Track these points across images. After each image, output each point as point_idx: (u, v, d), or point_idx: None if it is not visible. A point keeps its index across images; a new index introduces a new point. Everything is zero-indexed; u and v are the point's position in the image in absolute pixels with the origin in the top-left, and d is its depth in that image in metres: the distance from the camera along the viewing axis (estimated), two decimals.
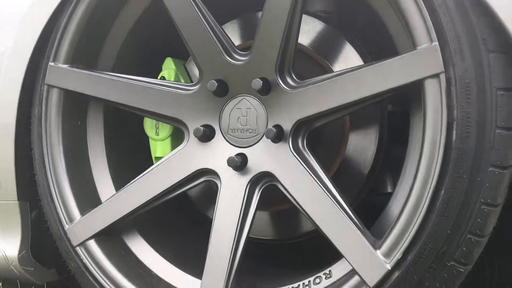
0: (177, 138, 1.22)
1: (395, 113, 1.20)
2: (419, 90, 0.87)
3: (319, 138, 1.16)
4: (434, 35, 0.81)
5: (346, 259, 0.90)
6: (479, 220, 0.81)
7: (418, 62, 0.83)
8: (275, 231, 1.25)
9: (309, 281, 1.01)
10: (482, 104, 0.80)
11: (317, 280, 1.00)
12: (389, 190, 1.21)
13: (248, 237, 1.04)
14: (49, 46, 1.18)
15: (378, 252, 0.87)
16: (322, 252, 1.05)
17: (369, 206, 1.17)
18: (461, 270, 0.84)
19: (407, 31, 0.85)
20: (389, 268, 0.85)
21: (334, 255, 1.01)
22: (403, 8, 0.84)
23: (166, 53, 1.26)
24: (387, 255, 0.87)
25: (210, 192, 1.30)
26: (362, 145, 1.15)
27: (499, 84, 0.80)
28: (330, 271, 0.99)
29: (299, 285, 1.02)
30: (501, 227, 0.87)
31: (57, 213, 1.16)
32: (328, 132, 1.16)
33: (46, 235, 1.25)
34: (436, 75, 0.82)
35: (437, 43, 0.81)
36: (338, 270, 0.97)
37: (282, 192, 1.08)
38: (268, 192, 1.08)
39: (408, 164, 0.94)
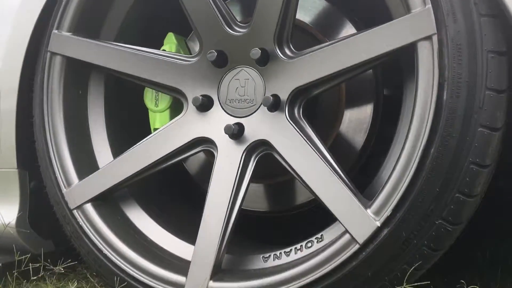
0: (175, 110, 1.24)
1: (390, 97, 1.22)
2: (412, 58, 0.89)
3: (316, 112, 1.18)
4: None
5: (337, 219, 0.92)
6: (467, 179, 0.84)
7: (411, 25, 0.86)
8: (269, 203, 1.27)
9: (301, 246, 1.03)
10: (473, 65, 0.82)
11: (309, 244, 1.02)
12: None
13: (242, 204, 1.06)
14: (53, 14, 1.20)
15: (369, 211, 0.89)
16: (314, 224, 1.06)
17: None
18: (449, 229, 0.86)
19: None
20: (379, 225, 0.87)
21: (326, 225, 1.03)
22: None
23: (168, 28, 1.28)
24: (377, 213, 0.89)
25: (207, 166, 1.32)
26: (356, 122, 1.17)
27: (490, 47, 0.83)
28: (321, 235, 1.01)
29: (291, 249, 1.04)
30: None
31: (56, 177, 1.18)
32: (324, 107, 1.18)
33: (44, 206, 1.27)
34: (428, 37, 0.84)
35: (430, 5, 0.84)
36: (329, 233, 0.99)
37: (276, 165, 1.10)
38: (263, 165, 1.10)
39: (400, 130, 0.96)
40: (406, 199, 0.86)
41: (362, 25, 1.15)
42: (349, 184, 0.94)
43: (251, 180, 1.07)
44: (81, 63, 1.20)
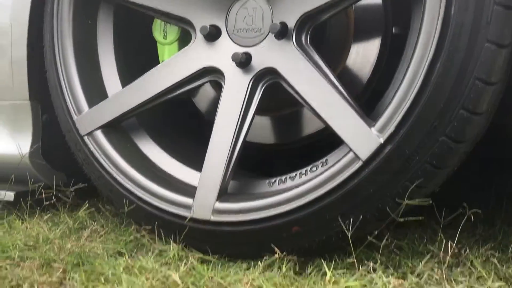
0: (184, 42, 1.24)
1: (399, 35, 1.21)
2: None
3: (323, 44, 1.17)
4: None
5: (341, 138, 0.93)
6: (472, 95, 0.84)
7: None
8: (276, 136, 1.29)
9: (306, 170, 1.05)
10: None
11: (314, 168, 1.03)
12: None
13: (248, 132, 1.07)
14: None
15: (373, 129, 0.90)
16: (321, 154, 1.07)
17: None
18: (452, 146, 0.86)
19: None
20: (382, 142, 0.88)
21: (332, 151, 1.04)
22: None
23: None
24: (380, 130, 0.89)
25: (215, 100, 1.33)
26: (364, 56, 1.17)
27: None
28: (326, 159, 1.02)
29: (296, 174, 1.06)
30: None
31: (66, 105, 1.20)
32: (332, 39, 1.18)
33: (57, 139, 1.29)
34: None
35: None
36: (334, 156, 1.00)
37: (283, 98, 1.11)
38: (270, 97, 1.11)
39: (407, 51, 0.96)
40: (410, 115, 0.86)
41: None
42: (354, 104, 0.95)
43: (258, 110, 1.08)
44: None
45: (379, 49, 1.17)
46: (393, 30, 1.19)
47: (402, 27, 1.19)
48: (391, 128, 0.87)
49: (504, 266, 0.99)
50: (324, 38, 1.15)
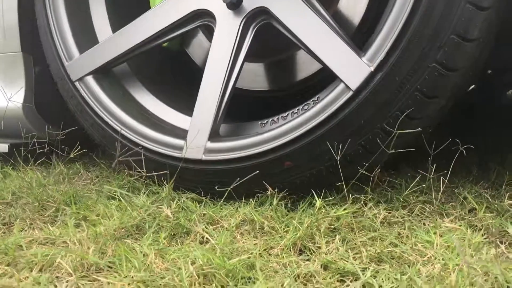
0: None
1: None
2: None
3: None
4: None
5: (330, 69, 0.92)
6: (462, 19, 0.82)
7: None
8: (269, 82, 1.28)
9: (298, 109, 1.04)
10: None
11: (306, 107, 1.03)
12: None
13: (239, 74, 1.06)
14: None
15: (363, 59, 0.89)
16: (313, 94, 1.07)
17: None
18: (443, 73, 0.85)
19: None
20: (372, 70, 0.87)
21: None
22: None
23: None
24: (371, 59, 0.89)
25: (206, 47, 1.32)
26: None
27: None
28: (318, 97, 1.02)
29: (288, 113, 1.05)
30: None
31: (57, 52, 1.19)
32: None
33: (51, 92, 1.28)
34: None
35: None
36: (325, 93, 0.99)
37: (273, 44, 1.10)
38: (262, 44, 1.10)
39: None
40: (400, 40, 0.85)
41: None
42: (344, 36, 0.93)
43: (250, 55, 1.07)
44: None
45: None
46: None
47: None
48: (381, 56, 0.87)
49: (496, 200, 0.99)
50: None
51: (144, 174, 1.10)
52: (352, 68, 0.89)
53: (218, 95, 1.06)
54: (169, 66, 1.36)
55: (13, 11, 1.27)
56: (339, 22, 1.12)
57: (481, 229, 0.86)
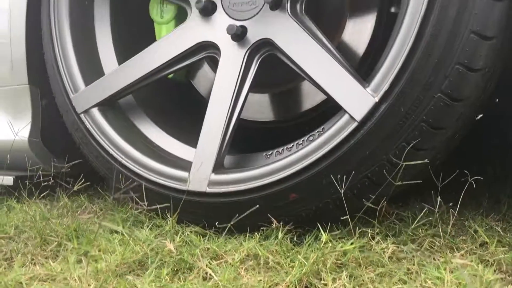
0: (180, 20, 1.24)
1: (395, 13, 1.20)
2: None
3: (318, 14, 1.16)
4: None
5: (335, 100, 0.92)
6: (467, 49, 0.82)
7: None
8: (274, 113, 1.27)
9: (303, 140, 1.03)
10: None
11: (311, 138, 1.02)
12: None
13: (243, 105, 1.06)
14: None
15: (367, 89, 0.89)
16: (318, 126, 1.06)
17: None
18: (449, 103, 0.84)
19: None
20: (377, 100, 0.86)
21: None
22: None
23: None
24: (375, 89, 0.88)
25: (212, 80, 1.32)
26: (360, 30, 1.16)
27: None
28: (323, 128, 1.01)
29: (293, 145, 1.04)
30: None
31: (63, 84, 1.20)
32: (328, 10, 1.17)
33: (57, 125, 1.29)
34: None
35: None
36: (330, 124, 0.98)
37: (279, 74, 1.10)
38: (265, 75, 1.10)
39: (402, 9, 0.94)
40: (405, 70, 0.84)
41: None
42: (348, 67, 0.93)
43: (254, 85, 1.07)
44: None
45: (375, 23, 1.16)
46: (392, 9, 1.18)
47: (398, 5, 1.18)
48: (385, 86, 0.86)
49: (508, 234, 0.96)
50: (320, 8, 1.14)
51: (146, 208, 1.08)
52: (357, 99, 0.88)
53: (223, 126, 1.05)
54: (174, 97, 1.36)
55: (20, 44, 1.28)
56: (343, 52, 1.12)
57: (493, 264, 0.83)
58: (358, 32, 1.17)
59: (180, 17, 1.25)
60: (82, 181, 1.11)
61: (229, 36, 1.08)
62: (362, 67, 1.17)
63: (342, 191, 0.87)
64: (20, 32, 1.29)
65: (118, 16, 1.29)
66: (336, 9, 1.15)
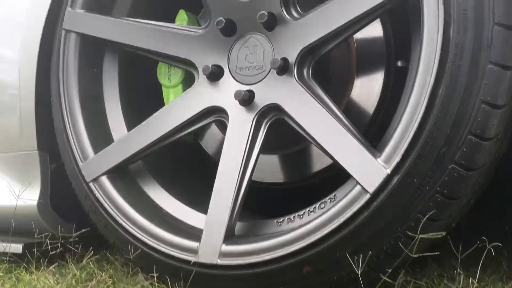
0: (188, 84, 1.25)
1: (403, 68, 1.20)
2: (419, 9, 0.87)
3: (327, 78, 1.16)
4: None
5: (347, 171, 0.90)
6: (479, 119, 0.80)
7: None
8: (283, 174, 1.26)
9: (314, 207, 1.01)
10: (479, 0, 0.79)
11: (322, 205, 1.00)
12: None
13: (253, 171, 1.05)
14: None
15: (379, 160, 0.87)
16: (329, 191, 1.04)
17: None
18: (463, 174, 0.82)
19: None
20: (389, 172, 0.85)
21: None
22: None
23: (179, 4, 1.29)
24: (387, 161, 0.86)
25: (221, 141, 1.32)
26: (368, 89, 1.16)
27: None
28: (334, 195, 0.99)
29: (304, 212, 1.02)
30: None
31: (72, 152, 1.20)
32: (335, 73, 1.17)
33: (67, 190, 1.28)
34: None
35: None
36: (342, 191, 0.96)
37: (288, 136, 1.09)
38: (275, 136, 1.09)
39: (409, 78, 0.94)
40: (416, 142, 0.83)
41: None
42: (359, 136, 0.92)
43: (262, 149, 1.06)
44: (95, 40, 1.23)
45: (383, 81, 1.16)
46: (398, 64, 1.18)
47: (406, 59, 1.18)
48: (397, 158, 0.84)
49: None
50: (327, 71, 1.14)
51: (156, 280, 1.06)
52: (368, 170, 0.87)
53: (233, 194, 1.03)
54: (183, 159, 1.35)
55: (30, 114, 1.29)
56: (352, 113, 1.11)
57: None
58: (367, 91, 1.16)
59: (188, 80, 1.25)
60: (91, 253, 1.09)
61: (237, 101, 1.08)
62: (371, 131, 1.15)
63: (360, 269, 0.85)
64: (30, 103, 1.31)
65: (126, 81, 1.30)
66: (343, 71, 1.15)
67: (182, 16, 1.28)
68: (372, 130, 1.16)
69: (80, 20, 1.21)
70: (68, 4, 1.22)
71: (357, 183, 0.89)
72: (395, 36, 1.16)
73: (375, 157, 0.88)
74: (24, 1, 1.31)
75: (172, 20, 1.28)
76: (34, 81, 1.28)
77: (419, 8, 0.86)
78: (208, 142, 1.37)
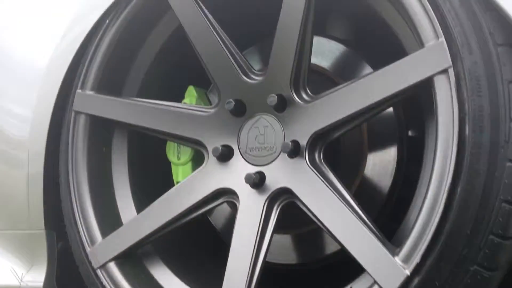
0: (197, 162, 1.23)
1: (415, 138, 1.18)
2: (431, 96, 0.85)
3: (338, 157, 1.15)
4: (440, 31, 0.81)
5: (365, 269, 0.87)
6: (500, 219, 0.77)
7: (426, 60, 0.83)
8: (295, 254, 1.22)
9: None
10: (494, 97, 0.78)
11: None
12: None
13: (266, 255, 1.02)
14: (77, 75, 1.24)
15: (397, 259, 0.84)
16: (346, 275, 1.01)
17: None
18: (486, 276, 0.79)
19: (413, 31, 0.85)
20: (408, 273, 0.81)
21: (356, 275, 0.97)
22: (408, 8, 0.86)
23: (189, 80, 1.30)
24: (405, 261, 0.83)
25: (232, 218, 1.29)
26: (381, 166, 1.14)
27: (510, 77, 0.78)
28: (351, 287, 0.95)
29: None
30: None
31: (80, 236, 1.18)
32: (347, 152, 1.15)
33: (73, 268, 1.26)
34: (444, 71, 0.81)
35: (443, 38, 0.81)
36: (359, 284, 0.92)
37: (301, 215, 1.06)
38: (288, 215, 1.06)
39: (424, 170, 0.91)
40: (436, 243, 0.79)
41: (380, 64, 1.14)
42: (375, 231, 0.89)
43: (275, 231, 1.03)
44: (104, 121, 1.22)
45: (396, 157, 1.14)
46: (409, 133, 1.17)
47: (418, 129, 1.16)
48: (416, 259, 0.81)
49: None
50: (338, 154, 1.12)
51: None
52: (386, 269, 0.83)
53: (246, 277, 1.00)
54: (192, 237, 1.32)
55: (38, 195, 1.28)
56: (364, 197, 1.09)
57: None
58: (379, 170, 1.14)
59: (197, 158, 1.24)
60: None
61: (248, 184, 1.06)
62: (382, 218, 1.12)
63: None
64: (38, 179, 1.30)
65: (135, 159, 1.29)
66: (354, 151, 1.13)
67: (191, 92, 1.28)
68: (388, 209, 1.13)
69: (90, 102, 1.21)
70: (78, 86, 1.23)
71: (375, 282, 0.85)
72: (406, 113, 1.15)
73: (393, 254, 0.84)
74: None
75: (182, 96, 1.28)
76: (43, 164, 1.27)
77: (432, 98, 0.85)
78: (217, 218, 1.35)
